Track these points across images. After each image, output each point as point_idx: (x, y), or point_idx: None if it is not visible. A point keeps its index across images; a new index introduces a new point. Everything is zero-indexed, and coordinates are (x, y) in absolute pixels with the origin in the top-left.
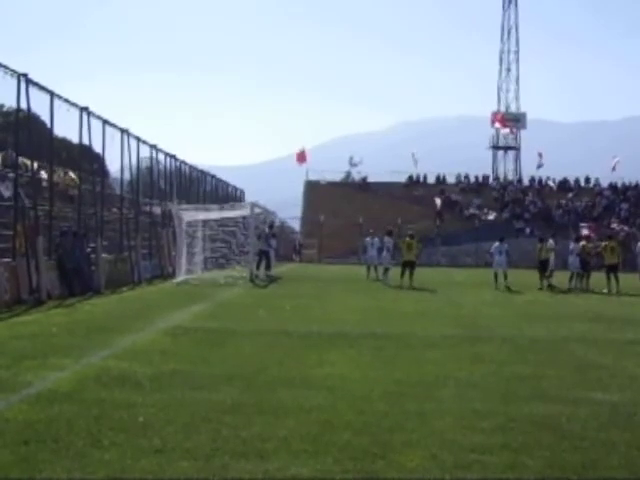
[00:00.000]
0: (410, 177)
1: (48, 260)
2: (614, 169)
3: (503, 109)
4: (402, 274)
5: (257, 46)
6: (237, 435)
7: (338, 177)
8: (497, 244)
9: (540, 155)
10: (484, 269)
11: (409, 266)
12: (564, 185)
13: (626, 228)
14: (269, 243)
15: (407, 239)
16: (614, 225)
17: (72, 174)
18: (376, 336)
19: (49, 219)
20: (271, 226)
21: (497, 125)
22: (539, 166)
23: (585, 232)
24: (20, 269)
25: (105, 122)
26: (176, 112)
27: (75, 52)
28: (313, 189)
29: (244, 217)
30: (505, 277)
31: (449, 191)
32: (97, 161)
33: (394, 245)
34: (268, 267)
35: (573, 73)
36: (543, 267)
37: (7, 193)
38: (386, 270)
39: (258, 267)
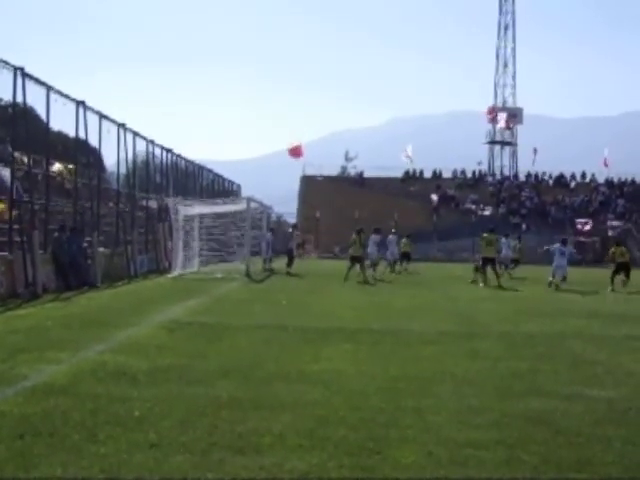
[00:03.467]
0: (406, 172)
1: (44, 254)
2: (606, 165)
3: (500, 104)
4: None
5: (254, 42)
6: (233, 430)
7: (334, 172)
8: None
9: (535, 151)
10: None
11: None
12: (560, 181)
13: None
14: (292, 242)
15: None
16: (614, 223)
17: (58, 165)
18: (372, 331)
19: (45, 213)
20: (295, 226)
21: (491, 118)
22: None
23: (579, 227)
24: (16, 263)
25: (101, 116)
26: (173, 106)
27: (71, 46)
28: (309, 184)
29: (240, 212)
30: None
31: (445, 186)
32: (93, 155)
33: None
34: (289, 264)
35: (570, 68)
36: (404, 257)
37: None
38: (373, 265)
39: (289, 265)
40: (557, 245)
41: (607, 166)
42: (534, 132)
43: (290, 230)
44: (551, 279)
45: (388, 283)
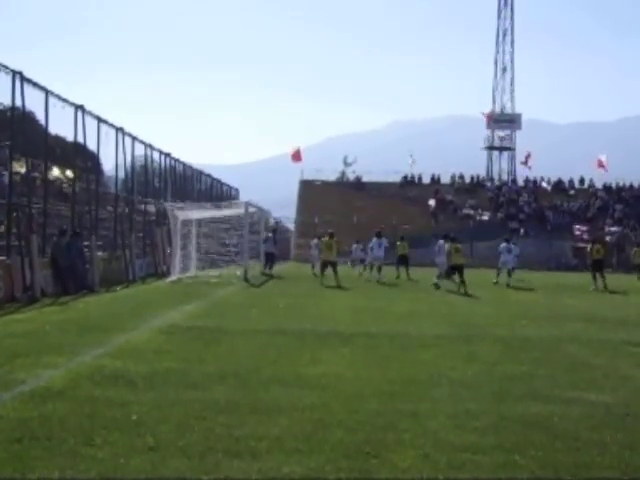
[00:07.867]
0: (405, 177)
1: (42, 258)
2: (603, 167)
3: (498, 110)
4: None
5: (253, 45)
6: (230, 434)
7: (333, 177)
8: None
9: (528, 158)
10: (478, 269)
11: (331, 265)
12: (558, 186)
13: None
14: (274, 245)
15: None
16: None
17: (56, 169)
18: (370, 335)
19: (43, 217)
20: (274, 230)
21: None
22: (524, 163)
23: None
24: (14, 267)
25: (100, 120)
26: (171, 111)
27: (71, 50)
28: (308, 188)
29: (238, 216)
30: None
31: (444, 191)
32: (92, 159)
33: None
34: (271, 267)
35: (568, 74)
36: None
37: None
38: (379, 268)
39: (265, 267)
40: (503, 244)
41: (604, 167)
42: (532, 137)
43: (271, 234)
44: (496, 280)
45: (388, 287)
